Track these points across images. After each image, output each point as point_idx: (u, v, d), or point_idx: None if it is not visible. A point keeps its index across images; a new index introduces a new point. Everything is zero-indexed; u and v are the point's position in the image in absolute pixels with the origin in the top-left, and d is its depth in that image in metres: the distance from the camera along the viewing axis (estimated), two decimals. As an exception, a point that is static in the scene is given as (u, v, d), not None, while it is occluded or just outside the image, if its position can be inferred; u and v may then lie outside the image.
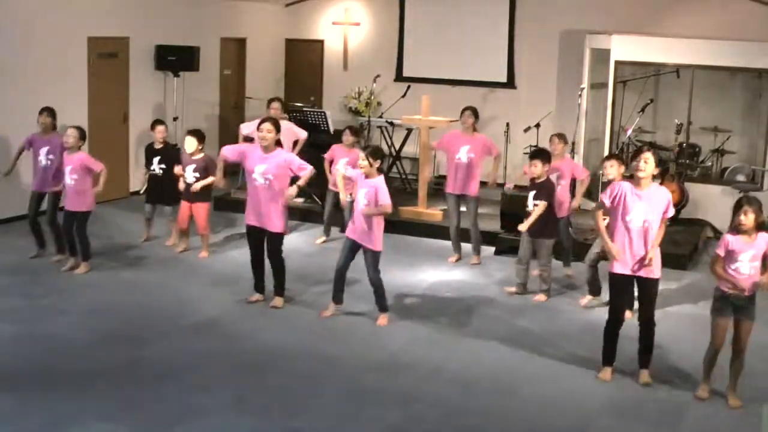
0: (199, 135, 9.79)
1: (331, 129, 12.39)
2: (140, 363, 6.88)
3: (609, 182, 8.26)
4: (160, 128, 10.29)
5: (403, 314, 8.19)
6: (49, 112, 9.34)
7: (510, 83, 14.23)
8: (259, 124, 8.05)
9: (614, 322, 6.86)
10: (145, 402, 6.19)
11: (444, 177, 10.11)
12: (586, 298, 8.71)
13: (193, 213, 9.79)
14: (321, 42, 15.63)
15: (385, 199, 7.64)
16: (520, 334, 7.85)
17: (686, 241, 10.62)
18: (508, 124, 13.61)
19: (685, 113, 11.95)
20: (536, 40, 13.90)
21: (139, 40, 12.75)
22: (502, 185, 10.90)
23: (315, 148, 11.23)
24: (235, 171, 11.25)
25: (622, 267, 6.71)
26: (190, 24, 13.63)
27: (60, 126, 9.46)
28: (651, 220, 6.62)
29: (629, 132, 11.72)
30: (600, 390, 6.72)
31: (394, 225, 10.58)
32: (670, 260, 9.15)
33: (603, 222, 6.90)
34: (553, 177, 8.97)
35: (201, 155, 9.73)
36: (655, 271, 6.71)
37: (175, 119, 13.08)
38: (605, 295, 8.48)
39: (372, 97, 14.63)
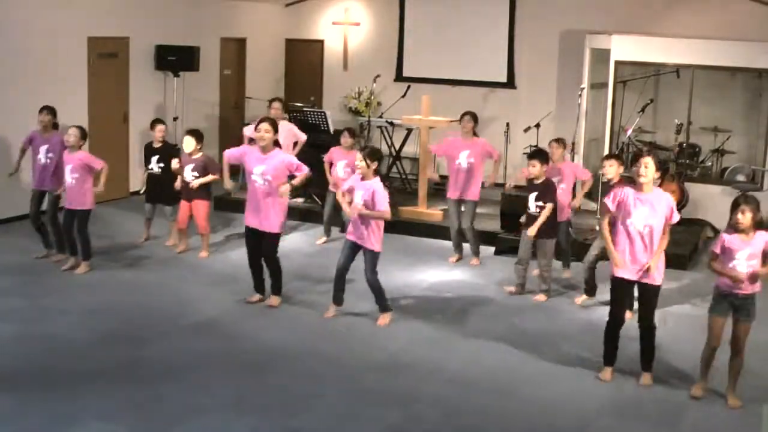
0: (197, 135, 9.80)
1: (331, 129, 12.39)
2: (140, 363, 6.89)
3: (608, 182, 8.29)
4: (159, 127, 10.30)
5: (403, 314, 8.18)
6: (49, 110, 9.34)
7: (510, 83, 14.23)
8: (257, 125, 8.06)
9: (614, 323, 6.86)
10: (145, 402, 6.19)
11: (447, 177, 10.13)
12: (581, 297, 8.74)
13: (192, 211, 9.79)
14: (321, 42, 15.63)
15: (383, 206, 7.62)
16: (519, 334, 7.85)
17: (686, 241, 10.61)
18: (508, 124, 13.59)
19: (685, 113, 11.94)
20: (536, 40, 13.90)
21: (139, 40, 12.75)
22: (502, 185, 10.89)
23: (315, 149, 11.22)
24: (234, 171, 11.23)
25: (624, 271, 6.72)
26: (190, 24, 13.63)
27: (60, 126, 9.46)
28: (653, 224, 6.61)
29: (629, 132, 11.72)
30: (600, 390, 6.72)
31: (394, 225, 10.55)
32: (670, 260, 9.12)
33: (609, 233, 6.83)
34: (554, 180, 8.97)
35: (199, 155, 9.74)
36: (656, 277, 6.70)
37: (175, 119, 13.08)
38: (600, 295, 8.52)
39: (372, 97, 14.63)
